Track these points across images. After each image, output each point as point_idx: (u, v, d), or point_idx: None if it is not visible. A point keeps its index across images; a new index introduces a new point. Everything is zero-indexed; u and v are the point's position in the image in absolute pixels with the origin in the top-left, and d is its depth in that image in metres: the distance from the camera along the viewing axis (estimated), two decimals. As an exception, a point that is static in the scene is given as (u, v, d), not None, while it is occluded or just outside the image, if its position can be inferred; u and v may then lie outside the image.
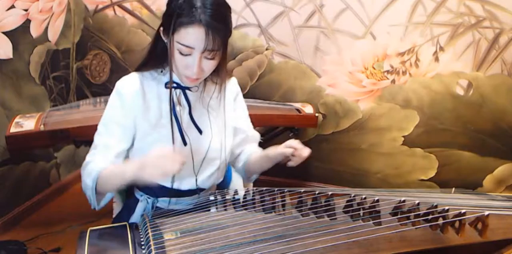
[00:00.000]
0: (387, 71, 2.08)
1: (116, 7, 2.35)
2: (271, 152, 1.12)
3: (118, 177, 0.97)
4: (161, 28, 1.02)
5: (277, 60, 2.21)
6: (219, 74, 1.08)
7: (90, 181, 1.01)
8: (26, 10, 1.95)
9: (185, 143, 1.10)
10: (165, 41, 1.01)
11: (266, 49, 2.20)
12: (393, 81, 2.08)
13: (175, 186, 1.13)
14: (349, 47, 2.09)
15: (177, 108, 1.10)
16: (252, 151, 1.24)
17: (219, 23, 0.94)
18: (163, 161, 0.89)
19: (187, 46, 0.95)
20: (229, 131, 1.19)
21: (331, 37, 2.09)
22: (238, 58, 2.24)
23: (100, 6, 2.37)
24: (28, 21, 1.98)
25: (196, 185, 1.15)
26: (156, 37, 1.05)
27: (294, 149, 1.06)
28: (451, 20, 1.92)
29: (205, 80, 1.13)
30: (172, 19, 0.94)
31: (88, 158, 1.07)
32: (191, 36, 0.93)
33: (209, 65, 0.99)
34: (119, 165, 1.04)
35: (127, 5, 2.33)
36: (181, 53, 0.97)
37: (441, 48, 1.97)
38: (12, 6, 1.87)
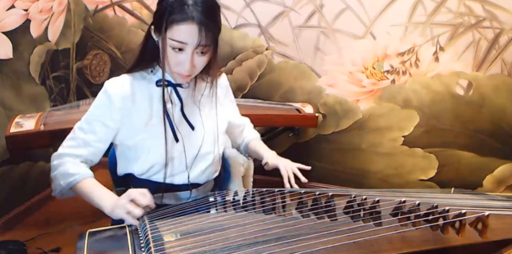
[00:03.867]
0: (387, 71, 2.08)
1: (116, 7, 2.35)
2: (269, 159, 1.21)
3: (93, 200, 1.04)
4: (152, 27, 1.04)
5: (277, 60, 2.21)
6: (210, 71, 1.11)
7: (64, 183, 1.06)
8: (26, 10, 1.95)
9: (177, 140, 1.12)
10: (156, 39, 1.04)
11: (266, 49, 2.20)
12: (393, 81, 2.08)
13: (168, 181, 1.16)
14: (349, 47, 2.09)
15: (168, 105, 1.12)
16: (250, 138, 1.35)
17: (210, 20, 0.97)
18: (130, 205, 0.95)
19: (180, 42, 0.98)
20: (221, 126, 1.21)
21: (331, 37, 2.09)
22: (238, 58, 2.24)
23: (100, 6, 2.37)
24: (28, 21, 1.98)
25: (188, 180, 1.17)
26: (147, 36, 1.07)
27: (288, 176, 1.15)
28: (451, 20, 1.92)
29: (196, 77, 1.14)
30: (164, 17, 0.97)
31: (66, 149, 1.10)
32: (184, 33, 0.96)
33: (201, 62, 1.02)
34: (100, 188, 1.06)
35: (127, 5, 2.33)
36: (173, 50, 0.99)
37: (441, 48, 1.97)
38: (12, 6, 1.87)
